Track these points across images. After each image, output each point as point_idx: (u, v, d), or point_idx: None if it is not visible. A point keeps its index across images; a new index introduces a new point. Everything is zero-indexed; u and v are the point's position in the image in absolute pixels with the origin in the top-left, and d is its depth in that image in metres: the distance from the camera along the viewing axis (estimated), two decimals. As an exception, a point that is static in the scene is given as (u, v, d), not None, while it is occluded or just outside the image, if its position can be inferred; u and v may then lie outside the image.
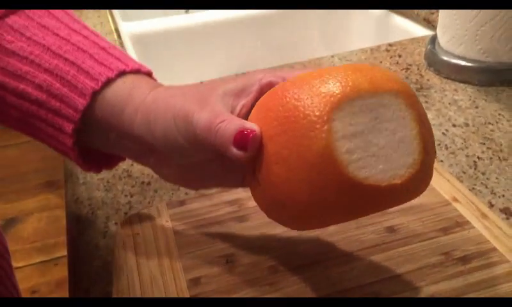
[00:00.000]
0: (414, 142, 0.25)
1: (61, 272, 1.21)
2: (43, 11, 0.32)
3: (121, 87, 0.31)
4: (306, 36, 0.94)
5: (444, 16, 0.56)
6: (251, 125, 0.27)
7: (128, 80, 0.31)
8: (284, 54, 0.95)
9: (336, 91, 0.25)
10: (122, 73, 0.31)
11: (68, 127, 0.30)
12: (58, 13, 0.33)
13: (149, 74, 0.33)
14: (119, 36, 0.78)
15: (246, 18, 0.91)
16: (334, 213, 0.26)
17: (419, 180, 0.26)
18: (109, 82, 0.30)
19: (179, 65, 0.89)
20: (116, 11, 0.90)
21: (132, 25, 0.87)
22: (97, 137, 0.32)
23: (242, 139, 0.26)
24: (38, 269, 1.22)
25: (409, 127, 0.25)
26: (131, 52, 0.77)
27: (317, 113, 0.24)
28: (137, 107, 0.30)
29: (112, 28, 0.80)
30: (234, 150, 0.26)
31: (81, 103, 0.30)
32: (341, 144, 0.24)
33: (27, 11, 0.32)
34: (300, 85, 0.26)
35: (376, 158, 0.24)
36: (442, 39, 0.57)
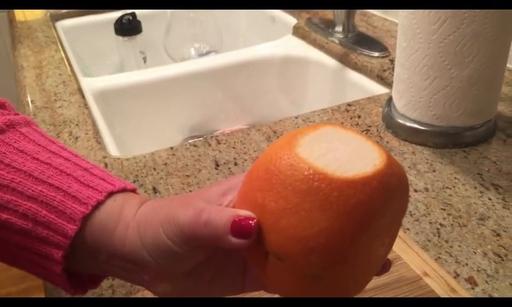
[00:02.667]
0: (369, 143, 0.29)
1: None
2: (18, 134, 0.32)
3: (112, 207, 0.31)
4: (265, 85, 0.98)
5: (399, 82, 0.60)
6: (245, 212, 0.27)
7: (118, 198, 0.31)
8: (245, 104, 0.98)
9: (291, 136, 0.29)
10: (110, 194, 0.31)
11: (57, 254, 0.30)
12: (33, 134, 0.33)
13: (133, 191, 0.34)
14: (82, 96, 0.78)
15: (207, 71, 0.93)
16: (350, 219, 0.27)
17: (390, 172, 0.28)
18: (98, 204, 0.30)
19: (142, 119, 0.90)
20: (77, 69, 0.90)
21: (93, 81, 0.87)
22: (86, 260, 0.32)
23: (241, 227, 0.27)
24: None
25: (358, 139, 0.29)
26: (94, 108, 0.78)
27: (286, 152, 0.28)
28: (128, 223, 0.30)
29: (75, 87, 0.80)
30: (234, 239, 0.27)
31: (71, 229, 0.30)
32: (319, 162, 0.27)
33: (1, 136, 0.32)
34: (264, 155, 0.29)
35: (348, 165, 0.27)
36: (398, 104, 0.61)
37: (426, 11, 0.53)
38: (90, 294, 0.35)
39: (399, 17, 0.58)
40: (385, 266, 0.31)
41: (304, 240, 0.27)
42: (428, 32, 0.54)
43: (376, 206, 0.27)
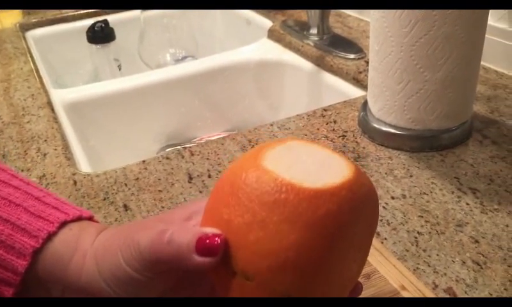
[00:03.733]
0: (336, 155, 0.28)
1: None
2: None
3: (68, 237, 0.29)
4: (242, 90, 0.96)
5: (373, 85, 0.59)
6: (211, 229, 0.26)
7: (74, 227, 0.30)
8: (222, 110, 0.97)
9: (257, 149, 0.28)
10: (64, 224, 0.29)
11: (8, 292, 0.28)
12: None
13: (90, 218, 0.32)
14: (52, 109, 0.75)
15: (182, 78, 0.91)
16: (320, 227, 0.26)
17: (359, 182, 0.27)
18: (50, 236, 0.29)
19: (117, 129, 0.88)
20: (47, 80, 0.87)
21: (65, 93, 0.85)
22: (40, 294, 0.30)
23: (207, 244, 0.25)
24: None
25: (326, 152, 0.28)
26: (64, 121, 0.75)
27: (252, 165, 0.27)
28: (85, 252, 0.29)
29: (45, 100, 0.78)
30: (199, 258, 0.25)
31: (21, 264, 0.28)
32: (286, 174, 0.26)
33: None
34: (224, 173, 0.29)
35: (316, 176, 0.26)
36: (373, 108, 0.60)
37: (397, 13, 0.52)
38: None
39: (370, 20, 0.57)
40: (356, 289, 0.30)
41: (272, 255, 0.25)
42: (399, 35, 0.53)
43: (345, 216, 0.26)
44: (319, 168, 0.27)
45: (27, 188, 0.31)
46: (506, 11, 0.70)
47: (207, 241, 0.25)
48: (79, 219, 0.31)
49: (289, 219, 0.25)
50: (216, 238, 0.25)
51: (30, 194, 0.30)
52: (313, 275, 0.26)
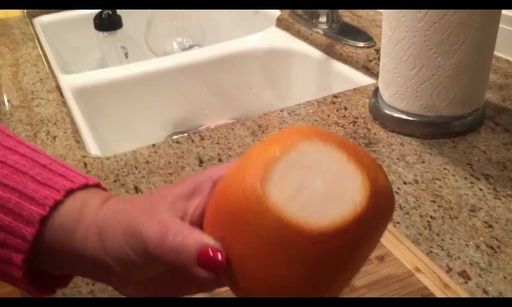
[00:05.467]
0: (352, 166, 0.25)
1: None
2: None
3: (71, 208, 0.29)
4: (250, 78, 0.96)
5: (385, 72, 0.59)
6: (212, 242, 0.26)
7: (77, 198, 0.30)
8: (230, 98, 0.96)
9: (262, 160, 0.26)
10: (70, 192, 0.29)
11: (18, 258, 0.28)
12: None
13: (97, 185, 0.32)
14: (61, 93, 0.75)
15: (190, 65, 0.91)
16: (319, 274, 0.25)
17: (372, 209, 0.25)
18: (57, 205, 0.29)
19: (124, 116, 0.88)
20: (55, 66, 0.87)
21: (73, 78, 0.84)
22: (49, 262, 0.30)
23: (209, 261, 0.25)
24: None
25: (340, 159, 0.25)
26: (73, 106, 0.75)
27: (255, 191, 0.25)
28: (88, 226, 0.29)
29: (53, 85, 0.77)
30: (201, 271, 0.26)
31: (29, 232, 0.28)
32: (291, 207, 0.24)
33: None
34: (229, 177, 0.27)
35: (324, 206, 0.25)
36: (385, 94, 0.60)
37: (412, -2, 0.52)
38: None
39: (384, 5, 0.57)
40: None
41: (275, 293, 0.25)
42: (414, 20, 0.52)
43: (351, 251, 0.25)
44: (329, 192, 0.25)
45: (34, 156, 0.30)
46: (519, -1, 0.70)
47: (210, 257, 0.26)
48: (86, 186, 0.31)
49: (293, 260, 0.24)
50: (219, 256, 0.26)
51: (36, 161, 0.30)
52: None
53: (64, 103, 0.73)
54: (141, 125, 0.90)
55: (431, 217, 0.45)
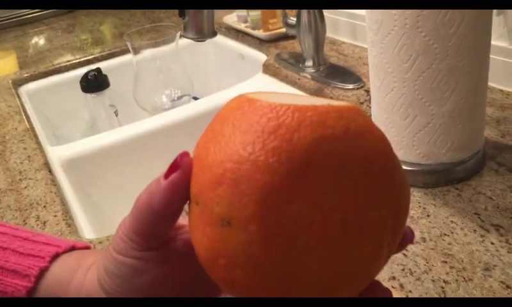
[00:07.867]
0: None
1: None
2: None
3: (66, 264, 0.28)
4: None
5: (377, 121, 0.57)
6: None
7: (65, 262, 0.29)
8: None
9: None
10: (56, 257, 0.28)
11: None
12: None
13: (86, 248, 0.31)
14: (50, 170, 0.73)
15: (182, 121, 0.89)
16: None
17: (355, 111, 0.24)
18: (42, 272, 0.28)
19: (119, 181, 0.86)
20: (43, 138, 0.85)
21: (62, 150, 0.83)
22: None
23: (171, 165, 0.25)
24: None
25: (316, 98, 0.25)
26: (63, 182, 0.73)
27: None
28: (88, 268, 0.28)
29: (42, 161, 0.76)
30: (165, 182, 0.25)
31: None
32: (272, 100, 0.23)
33: None
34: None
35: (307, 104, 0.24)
36: (381, 144, 0.58)
37: (396, 49, 0.50)
38: None
39: (368, 56, 0.55)
40: (406, 237, 0.26)
41: (213, 167, 0.22)
42: (401, 70, 0.51)
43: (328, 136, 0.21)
44: (310, 101, 0.23)
45: (15, 232, 0.30)
46: (505, 29, 0.68)
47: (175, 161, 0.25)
48: (73, 249, 0.29)
49: (243, 128, 0.22)
50: (181, 157, 0.25)
51: (18, 236, 0.29)
52: (258, 200, 0.20)
53: (54, 182, 0.71)
54: (138, 188, 0.87)
55: (444, 281, 0.43)
